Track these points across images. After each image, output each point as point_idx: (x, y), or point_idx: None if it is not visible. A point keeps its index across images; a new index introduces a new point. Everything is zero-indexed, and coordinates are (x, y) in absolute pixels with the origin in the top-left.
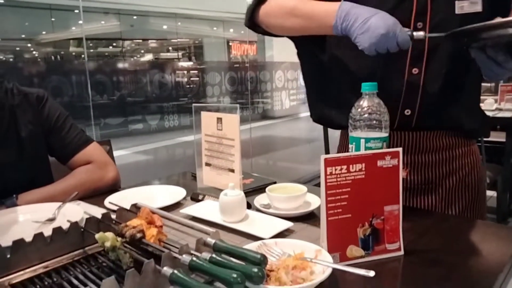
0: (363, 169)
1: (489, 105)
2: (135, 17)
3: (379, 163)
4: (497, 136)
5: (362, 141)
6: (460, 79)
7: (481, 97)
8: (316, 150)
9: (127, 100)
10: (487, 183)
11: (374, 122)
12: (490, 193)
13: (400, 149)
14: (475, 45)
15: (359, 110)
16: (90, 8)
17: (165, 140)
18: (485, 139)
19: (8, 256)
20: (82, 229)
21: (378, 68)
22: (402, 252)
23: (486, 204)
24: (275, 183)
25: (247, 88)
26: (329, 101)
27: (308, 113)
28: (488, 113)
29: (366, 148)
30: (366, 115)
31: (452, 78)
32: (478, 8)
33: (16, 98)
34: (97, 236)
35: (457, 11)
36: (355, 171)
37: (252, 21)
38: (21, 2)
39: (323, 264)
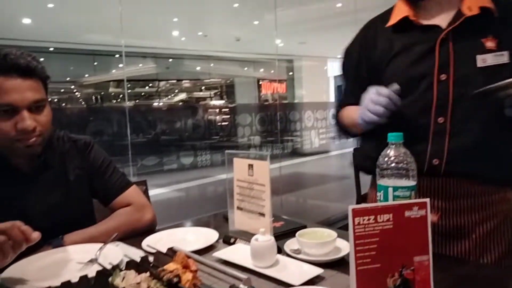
0: (391, 219)
1: None
2: (170, 59)
3: (407, 213)
4: None
5: (390, 189)
6: (489, 127)
7: None
8: (347, 188)
9: (161, 139)
10: None
11: (402, 171)
12: None
13: (427, 200)
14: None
15: (386, 159)
16: (130, 52)
17: (198, 178)
18: None
19: None
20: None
21: (405, 119)
22: None
23: None
24: (305, 226)
25: (277, 127)
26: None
27: (339, 151)
28: None
29: (394, 197)
30: (393, 164)
31: (480, 127)
32: (505, 59)
33: (66, 145)
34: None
35: (478, 65)
36: (383, 221)
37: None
38: (68, 49)
39: None
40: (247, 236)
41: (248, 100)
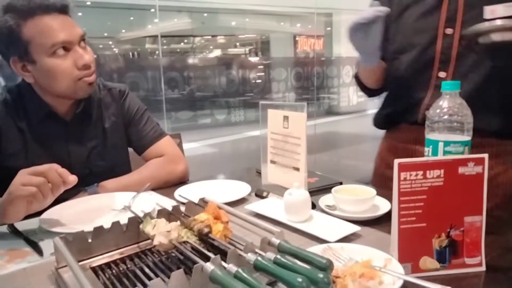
0: (442, 175)
1: None
2: (205, 14)
3: (461, 170)
4: None
5: (441, 144)
6: (488, 82)
7: None
8: None
9: (196, 95)
10: None
11: (455, 124)
12: None
13: (486, 155)
14: None
15: (438, 111)
16: (164, 7)
17: (231, 134)
18: None
19: (90, 240)
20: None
21: (407, 72)
22: (483, 268)
23: None
24: (341, 183)
25: (313, 84)
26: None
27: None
28: None
29: (445, 152)
30: (446, 117)
31: (480, 81)
32: None
33: (102, 93)
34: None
35: (485, 16)
36: (433, 178)
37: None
38: (104, 3)
39: (394, 274)
40: (280, 191)
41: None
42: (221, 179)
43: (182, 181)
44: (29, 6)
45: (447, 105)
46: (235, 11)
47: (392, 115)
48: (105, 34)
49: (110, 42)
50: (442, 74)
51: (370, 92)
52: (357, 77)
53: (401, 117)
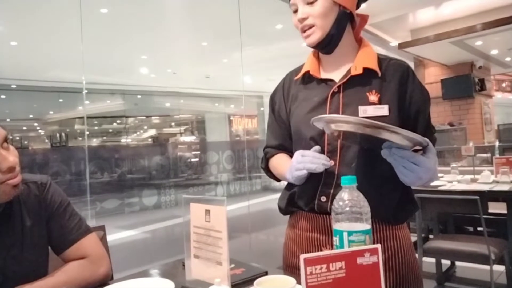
0: (343, 267)
1: (485, 177)
2: (139, 96)
3: (359, 260)
4: (499, 208)
5: (345, 234)
6: (371, 170)
7: (478, 169)
8: None
9: (127, 178)
10: (492, 260)
11: (356, 215)
12: (499, 268)
13: (378, 246)
14: (385, 145)
15: (341, 203)
16: (96, 89)
17: (163, 219)
18: (488, 211)
19: None
20: None
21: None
22: None
23: None
24: (266, 273)
25: (245, 164)
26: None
27: None
28: (485, 187)
29: (349, 241)
30: (347, 208)
31: (363, 170)
32: (384, 112)
33: (21, 188)
34: None
35: (360, 114)
36: (336, 270)
37: (266, 168)
38: (31, 87)
39: None
40: (204, 286)
41: (220, 135)
42: (144, 276)
43: (103, 283)
44: None
45: (347, 198)
46: (169, 93)
47: (291, 202)
48: (31, 116)
49: (36, 124)
50: (331, 162)
51: (278, 179)
52: (266, 168)
53: (300, 204)
